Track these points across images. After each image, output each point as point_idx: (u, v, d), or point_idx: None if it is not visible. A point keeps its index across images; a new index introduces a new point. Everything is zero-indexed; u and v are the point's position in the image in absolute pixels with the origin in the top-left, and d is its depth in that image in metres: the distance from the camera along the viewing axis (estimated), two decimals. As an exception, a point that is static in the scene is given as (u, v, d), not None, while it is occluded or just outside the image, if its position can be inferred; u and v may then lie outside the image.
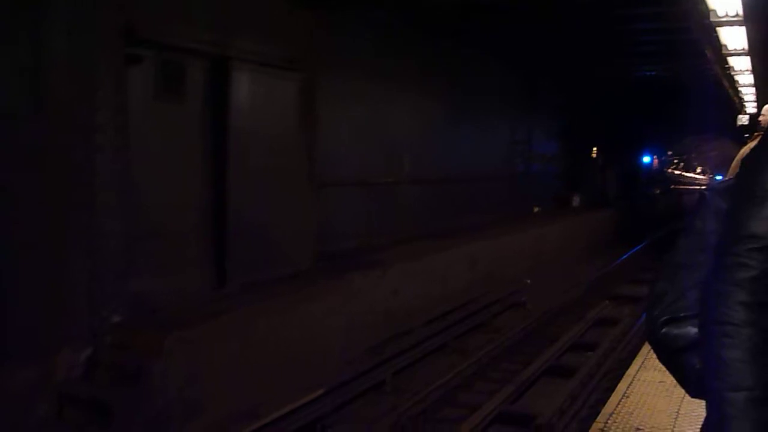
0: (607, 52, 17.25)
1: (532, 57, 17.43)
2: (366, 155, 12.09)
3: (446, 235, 13.72)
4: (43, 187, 6.30)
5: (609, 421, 4.31)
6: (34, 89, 6.24)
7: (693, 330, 1.58)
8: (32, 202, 6.23)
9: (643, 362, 5.53)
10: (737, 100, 19.92)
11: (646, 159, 31.38)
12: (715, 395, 1.43)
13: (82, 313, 6.62)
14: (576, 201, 22.46)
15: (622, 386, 4.98)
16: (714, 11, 6.58)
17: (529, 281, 14.13)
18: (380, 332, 10.03)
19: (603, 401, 5.50)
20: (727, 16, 6.70)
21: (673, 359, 1.66)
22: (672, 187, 38.05)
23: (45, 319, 6.35)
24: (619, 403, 4.61)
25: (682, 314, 1.62)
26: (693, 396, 1.62)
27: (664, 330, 1.64)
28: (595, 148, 25.06)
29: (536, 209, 19.99)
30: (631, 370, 5.31)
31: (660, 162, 33.05)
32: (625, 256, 19.37)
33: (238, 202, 8.53)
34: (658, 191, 32.48)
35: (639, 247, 21.06)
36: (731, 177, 1.87)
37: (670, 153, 40.78)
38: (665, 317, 1.65)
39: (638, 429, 4.20)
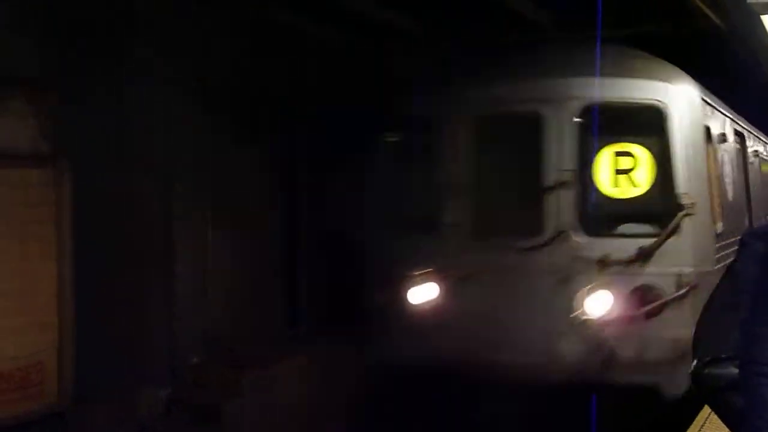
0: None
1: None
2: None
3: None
4: (125, 237, 6.56)
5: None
6: (117, 143, 6.53)
7: (734, 370, 1.63)
8: (116, 251, 6.47)
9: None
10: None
11: None
12: None
13: (162, 354, 6.88)
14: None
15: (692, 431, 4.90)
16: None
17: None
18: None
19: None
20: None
21: (715, 398, 1.72)
22: None
23: (129, 359, 6.60)
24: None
25: (723, 355, 1.68)
26: (735, 433, 1.67)
27: (706, 370, 1.70)
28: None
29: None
30: (704, 413, 5.21)
31: None
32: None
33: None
34: None
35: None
36: None
37: None
38: (708, 358, 1.71)
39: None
